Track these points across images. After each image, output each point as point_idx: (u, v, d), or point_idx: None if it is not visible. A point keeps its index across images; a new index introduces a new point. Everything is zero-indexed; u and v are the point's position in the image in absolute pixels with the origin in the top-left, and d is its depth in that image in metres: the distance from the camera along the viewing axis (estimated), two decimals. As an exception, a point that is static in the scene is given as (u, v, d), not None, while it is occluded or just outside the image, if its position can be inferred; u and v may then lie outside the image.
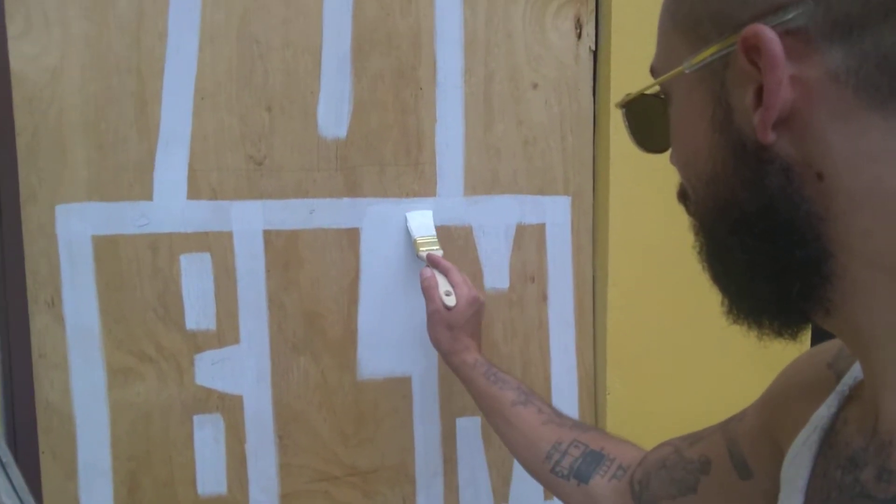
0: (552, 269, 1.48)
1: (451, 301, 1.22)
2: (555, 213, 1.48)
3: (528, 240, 1.47)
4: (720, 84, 0.48)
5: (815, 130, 0.43)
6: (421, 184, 1.42)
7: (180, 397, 1.35)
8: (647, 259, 1.46)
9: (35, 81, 1.26)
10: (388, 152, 1.40)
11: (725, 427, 0.88)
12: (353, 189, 1.40)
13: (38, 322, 1.29)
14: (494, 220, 1.46)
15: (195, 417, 1.36)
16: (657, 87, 0.62)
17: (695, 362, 1.49)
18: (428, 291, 1.25)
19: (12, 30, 1.25)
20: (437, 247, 1.35)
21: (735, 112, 0.47)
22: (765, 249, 0.48)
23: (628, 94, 0.69)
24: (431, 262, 1.30)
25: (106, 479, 1.34)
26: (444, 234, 1.43)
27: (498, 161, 1.45)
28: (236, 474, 1.38)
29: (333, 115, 1.37)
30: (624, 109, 0.69)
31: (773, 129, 0.44)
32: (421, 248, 1.35)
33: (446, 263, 1.29)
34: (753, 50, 0.43)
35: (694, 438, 0.93)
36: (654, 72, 0.60)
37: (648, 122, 0.66)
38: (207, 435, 1.36)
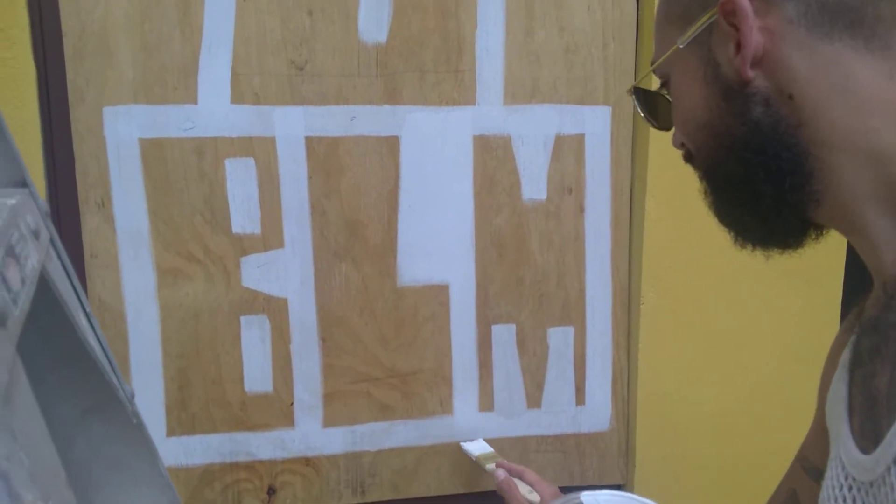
0: (590, 180, 1.49)
1: (535, 498, 1.21)
2: (594, 124, 1.47)
3: (567, 151, 1.48)
4: (707, 48, 0.63)
5: (782, 63, 0.59)
6: (460, 92, 1.42)
7: (227, 298, 1.39)
8: (686, 169, 1.45)
9: (79, -19, 1.26)
10: (427, 59, 1.40)
11: (799, 454, 0.90)
12: (392, 96, 1.40)
13: (90, 222, 1.33)
14: (533, 131, 1.46)
15: (242, 318, 1.40)
16: (657, 83, 0.75)
17: (730, 275, 1.50)
18: (509, 492, 1.22)
19: (55, -72, 1.25)
20: (499, 458, 1.39)
21: (721, 66, 0.62)
22: (758, 161, 0.62)
23: (634, 84, 0.86)
24: (503, 467, 1.29)
25: (157, 376, 1.40)
26: (483, 143, 1.44)
27: (538, 69, 1.44)
28: (281, 374, 1.43)
29: (374, 19, 1.37)
30: (633, 97, 0.83)
31: (752, 69, 0.59)
32: (486, 463, 1.37)
33: (518, 466, 1.28)
34: (730, 13, 0.59)
35: (780, 482, 0.94)
36: (653, 64, 0.73)
37: (655, 106, 0.80)
38: (254, 335, 1.41)
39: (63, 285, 0.61)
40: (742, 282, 1.51)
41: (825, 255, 1.52)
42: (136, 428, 0.76)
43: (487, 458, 1.41)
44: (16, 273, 0.41)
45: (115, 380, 0.75)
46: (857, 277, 1.58)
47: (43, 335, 0.58)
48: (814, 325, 1.55)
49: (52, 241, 0.63)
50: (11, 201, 0.52)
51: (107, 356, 0.73)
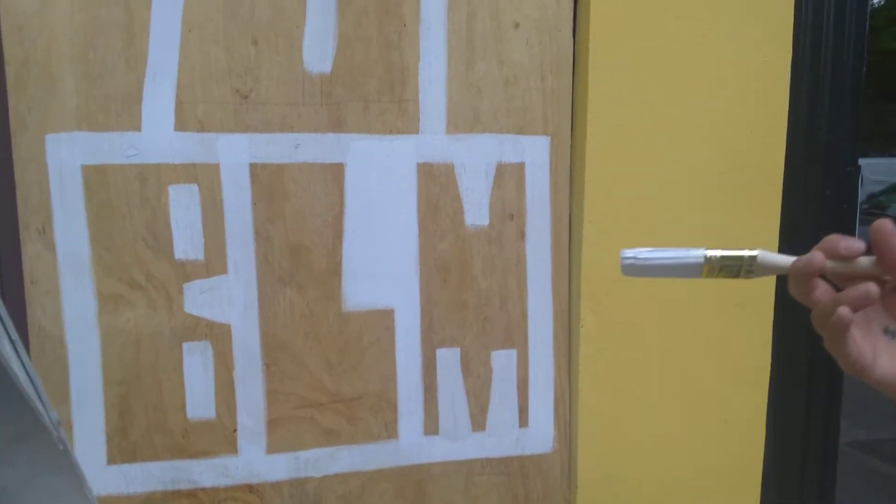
0: (531, 207, 1.54)
1: None
2: (534, 153, 1.52)
3: (508, 178, 1.52)
4: None
5: None
6: (404, 121, 1.46)
7: (170, 324, 1.39)
8: (622, 198, 1.51)
9: (24, 10, 1.28)
10: (372, 88, 1.44)
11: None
12: (337, 125, 1.43)
13: (30, 249, 1.33)
14: (475, 159, 1.50)
15: (184, 344, 1.40)
16: None
17: (666, 297, 1.56)
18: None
19: (-2, -43, 1.26)
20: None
21: None
22: None
23: None
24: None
25: (97, 403, 1.38)
26: (426, 171, 1.47)
27: (479, 100, 1.49)
28: (224, 400, 1.43)
29: (318, 49, 1.40)
30: None
31: None
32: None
33: None
34: None
35: None
36: None
37: None
38: (196, 361, 1.41)
39: (-17, 314, 0.62)
40: (677, 305, 1.57)
41: (755, 281, 1.58)
42: (62, 455, 0.76)
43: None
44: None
45: (40, 406, 0.75)
46: (788, 303, 1.65)
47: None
48: (747, 347, 1.61)
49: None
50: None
51: (32, 383, 0.73)
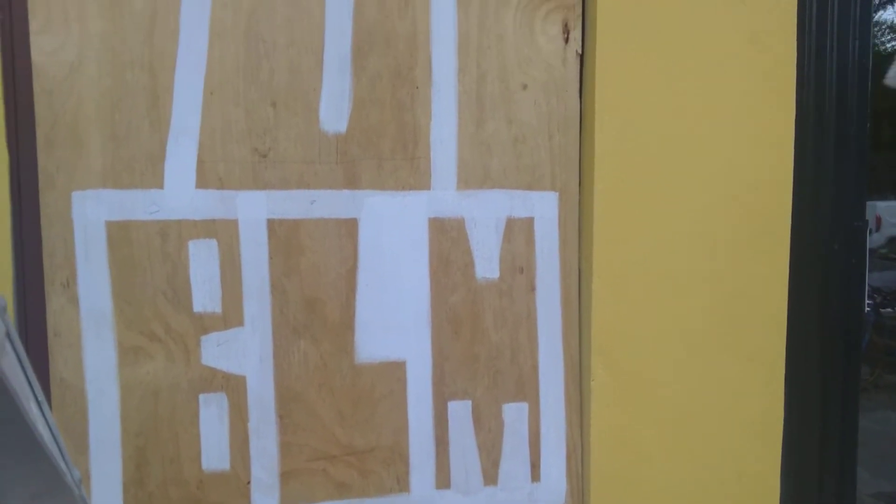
0: (540, 260, 1.56)
1: None
2: (543, 208, 1.56)
3: (518, 233, 1.55)
4: None
5: None
6: (416, 177, 1.51)
7: (187, 376, 1.42)
8: (630, 252, 1.54)
9: (54, 75, 1.35)
10: (385, 147, 1.49)
11: None
12: (352, 181, 1.48)
13: (54, 303, 1.37)
14: (485, 213, 1.54)
15: (201, 396, 1.43)
16: None
17: (676, 351, 1.57)
18: None
19: (34, 25, 1.34)
20: None
21: None
22: None
23: None
24: None
25: (115, 455, 1.41)
26: (438, 225, 1.51)
27: (489, 157, 1.53)
28: (239, 452, 1.45)
29: (334, 111, 1.46)
30: None
31: None
32: None
33: None
34: None
35: None
36: None
37: None
38: (212, 413, 1.43)
39: (17, 377, 0.66)
40: (688, 359, 1.57)
41: (765, 334, 1.59)
42: (82, 512, 0.78)
43: None
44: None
45: (63, 465, 0.78)
46: (800, 355, 1.65)
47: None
48: (759, 400, 1.61)
49: (7, 334, 0.67)
50: (-33, 304, 0.58)
51: (56, 442, 0.76)
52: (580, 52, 1.55)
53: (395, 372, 1.52)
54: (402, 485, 1.53)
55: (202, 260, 1.41)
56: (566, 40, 1.54)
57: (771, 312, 1.61)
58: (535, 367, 1.58)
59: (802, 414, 1.70)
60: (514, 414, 1.57)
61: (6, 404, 0.64)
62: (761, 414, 1.62)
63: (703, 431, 1.59)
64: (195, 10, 1.38)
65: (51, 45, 1.34)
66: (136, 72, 1.37)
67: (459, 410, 1.55)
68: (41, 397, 0.70)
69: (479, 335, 1.55)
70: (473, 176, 1.53)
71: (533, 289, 1.57)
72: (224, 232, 1.42)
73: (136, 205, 1.38)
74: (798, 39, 1.57)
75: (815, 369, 1.69)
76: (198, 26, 1.38)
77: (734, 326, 1.59)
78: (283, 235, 1.45)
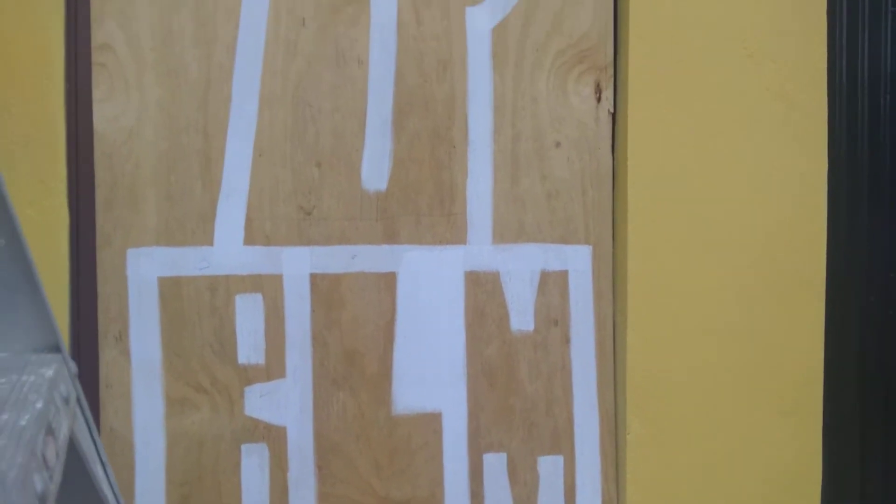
0: (574, 313, 1.59)
1: None
2: (577, 261, 1.59)
3: (552, 285, 1.58)
4: None
5: None
6: (453, 232, 1.55)
7: (230, 427, 1.46)
8: (664, 305, 1.56)
9: (114, 140, 1.44)
10: (423, 204, 1.54)
11: None
12: (391, 237, 1.53)
13: (107, 355, 1.43)
14: (520, 267, 1.57)
15: (243, 446, 1.47)
16: None
17: (713, 405, 1.57)
18: None
19: (97, 94, 1.43)
20: None
21: None
22: None
23: None
24: None
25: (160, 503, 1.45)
26: (473, 279, 1.55)
27: (524, 212, 1.57)
28: (279, 502, 1.48)
29: (376, 170, 1.52)
30: None
31: None
32: None
33: None
34: None
35: None
36: None
37: None
38: (253, 463, 1.47)
39: (86, 441, 0.70)
40: (723, 413, 1.57)
41: (802, 388, 1.58)
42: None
43: None
44: (52, 449, 0.50)
45: (121, 520, 0.82)
46: (839, 411, 1.63)
47: (65, 491, 0.66)
48: (796, 455, 1.59)
49: (78, 399, 0.72)
50: (49, 373, 0.63)
51: (117, 501, 0.80)
52: (612, 110, 1.60)
53: (431, 423, 1.55)
54: (438, 537, 1.54)
55: (248, 313, 1.47)
56: (598, 100, 1.59)
57: (808, 366, 1.60)
58: (570, 420, 1.59)
59: (841, 469, 1.67)
60: (550, 467, 1.57)
61: (77, 468, 0.69)
62: (799, 469, 1.60)
63: (739, 486, 1.58)
64: (247, 78, 1.46)
65: (112, 112, 1.43)
66: (190, 135, 1.45)
67: (495, 463, 1.56)
68: (105, 458, 0.75)
69: (514, 387, 1.57)
70: (508, 230, 1.57)
71: (568, 341, 1.59)
72: (269, 286, 1.48)
73: (188, 261, 1.45)
74: (829, 95, 1.60)
75: (853, 423, 1.67)
76: (249, 93, 1.47)
77: (771, 380, 1.59)
78: (325, 289, 1.50)
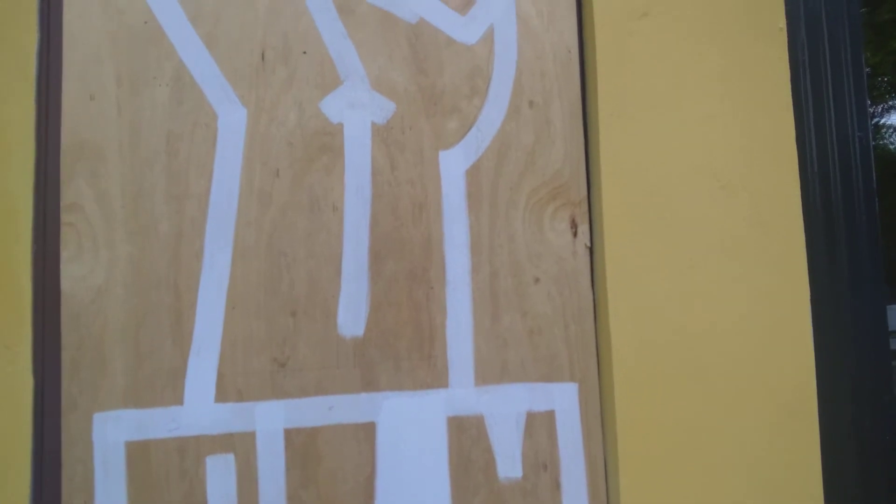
0: (564, 456, 1.52)
1: None
2: (563, 400, 1.54)
3: (539, 427, 1.53)
4: None
5: None
6: (434, 376, 1.51)
7: None
8: (656, 445, 1.50)
9: (81, 299, 1.40)
10: (402, 347, 1.50)
11: None
12: (369, 384, 1.48)
13: (69, 528, 1.35)
14: (505, 409, 1.52)
15: None
16: None
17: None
18: None
19: (65, 254, 1.41)
20: None
21: None
22: None
23: None
24: None
25: None
26: (457, 424, 1.49)
27: (506, 351, 1.53)
28: None
29: (352, 315, 1.49)
30: None
31: None
32: None
33: None
34: None
35: None
36: None
37: None
38: None
39: None
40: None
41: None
42: None
43: None
44: None
45: None
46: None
47: None
48: None
49: None
50: None
51: None
52: (589, 244, 1.59)
53: (418, 583, 1.45)
54: None
55: (219, 476, 1.40)
56: (575, 234, 1.58)
57: (808, 493, 1.53)
58: (565, 570, 1.50)
59: None
60: None
61: None
62: None
63: None
64: (220, 231, 1.45)
65: (80, 272, 1.40)
66: (161, 291, 1.42)
67: None
68: None
69: (504, 538, 1.48)
70: (491, 371, 1.53)
71: (558, 486, 1.52)
72: (241, 445, 1.42)
73: (156, 423, 1.39)
74: (805, 224, 1.60)
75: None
76: (222, 245, 1.45)
77: (773, 514, 1.52)
78: (301, 444, 1.44)
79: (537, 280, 1.56)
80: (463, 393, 1.51)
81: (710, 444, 1.51)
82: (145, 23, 1.48)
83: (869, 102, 1.81)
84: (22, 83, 1.43)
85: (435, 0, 1.57)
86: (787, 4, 1.65)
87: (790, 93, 1.63)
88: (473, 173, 1.55)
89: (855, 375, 1.61)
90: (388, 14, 1.56)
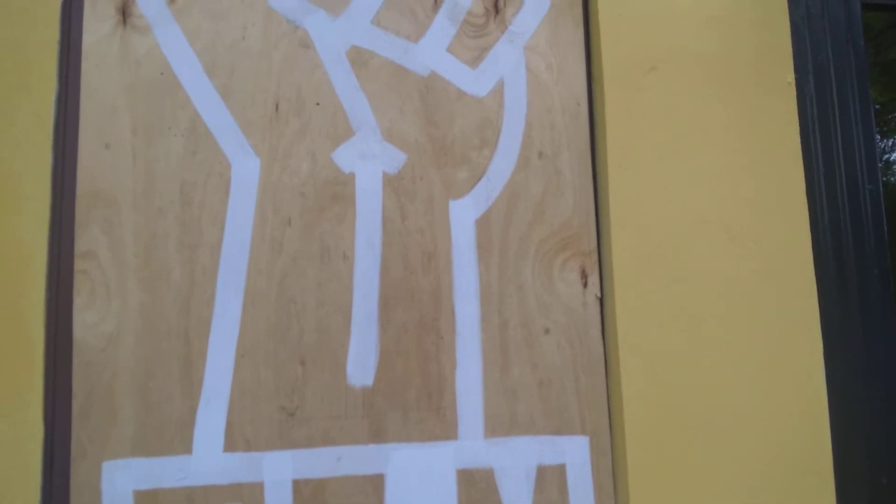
0: (574, 509, 1.50)
1: None
2: (574, 454, 1.52)
3: (550, 481, 1.51)
4: None
5: None
6: (442, 427, 1.50)
7: None
8: (668, 499, 1.47)
9: (93, 346, 1.41)
10: (411, 398, 1.49)
11: None
12: (378, 434, 1.47)
13: (74, 580, 1.33)
14: (515, 462, 1.50)
15: None
16: None
17: None
18: None
19: (78, 302, 1.42)
20: None
21: None
22: None
23: None
24: None
25: None
26: (466, 477, 1.48)
27: (515, 403, 1.52)
28: None
29: (361, 365, 1.48)
30: None
31: None
32: None
33: None
34: None
35: None
36: None
37: None
38: None
39: None
40: None
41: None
42: None
43: None
44: None
45: None
46: None
47: None
48: None
49: None
50: None
51: None
52: (599, 295, 1.59)
53: None
54: None
55: (226, 528, 1.39)
56: (585, 285, 1.58)
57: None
58: None
59: None
60: None
61: None
62: None
63: None
64: (231, 279, 1.46)
65: (92, 319, 1.41)
66: (171, 340, 1.43)
67: None
68: None
69: None
70: (500, 423, 1.52)
71: (568, 541, 1.49)
72: (249, 495, 1.40)
73: (165, 472, 1.38)
74: (816, 275, 1.59)
75: None
76: (233, 293, 1.45)
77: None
78: (308, 496, 1.42)
79: (547, 331, 1.56)
80: (472, 445, 1.50)
81: (722, 499, 1.49)
82: (161, 74, 1.51)
83: (879, 138, 1.81)
84: (39, 131, 1.46)
85: (446, 54, 1.60)
86: (795, 59, 1.67)
87: (800, 145, 1.64)
88: (483, 223, 1.56)
89: (870, 431, 1.59)
90: (400, 67, 1.58)
